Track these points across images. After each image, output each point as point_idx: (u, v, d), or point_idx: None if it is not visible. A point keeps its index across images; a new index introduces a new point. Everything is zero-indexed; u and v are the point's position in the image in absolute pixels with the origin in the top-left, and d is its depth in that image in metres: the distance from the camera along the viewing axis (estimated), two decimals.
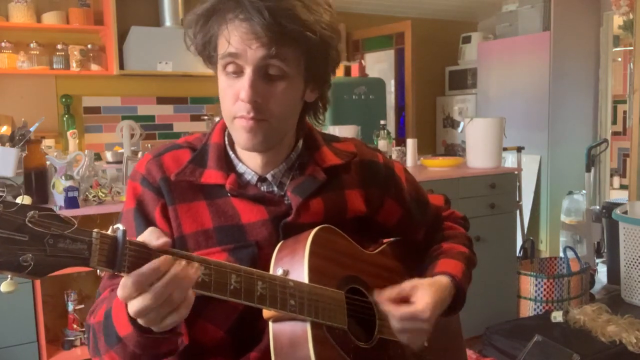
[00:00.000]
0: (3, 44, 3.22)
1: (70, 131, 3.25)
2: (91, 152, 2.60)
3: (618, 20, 4.79)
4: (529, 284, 3.35)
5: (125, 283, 0.74)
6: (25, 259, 0.64)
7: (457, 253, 1.13)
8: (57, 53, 3.32)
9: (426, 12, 5.40)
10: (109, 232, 0.72)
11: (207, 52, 0.94)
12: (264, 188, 1.00)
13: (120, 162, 3.00)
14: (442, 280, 1.04)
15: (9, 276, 0.66)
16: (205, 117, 3.82)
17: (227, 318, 0.95)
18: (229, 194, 0.97)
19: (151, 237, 0.76)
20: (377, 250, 1.10)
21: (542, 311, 3.31)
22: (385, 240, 1.14)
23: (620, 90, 6.33)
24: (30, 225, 0.64)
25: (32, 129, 2.31)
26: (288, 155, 1.02)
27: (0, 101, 3.30)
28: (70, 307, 2.48)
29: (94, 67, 3.40)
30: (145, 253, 0.74)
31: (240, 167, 1.01)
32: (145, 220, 0.96)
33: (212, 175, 0.98)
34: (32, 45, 3.27)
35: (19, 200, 0.66)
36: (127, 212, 0.98)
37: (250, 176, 1.00)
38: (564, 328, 2.95)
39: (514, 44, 4.68)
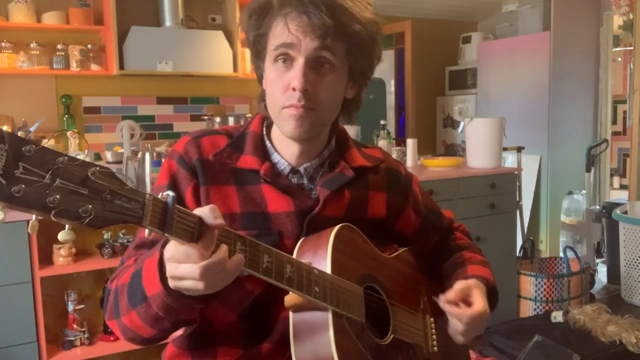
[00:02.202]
0: (3, 44, 3.22)
1: (70, 131, 3.25)
2: (91, 152, 2.61)
3: (618, 20, 4.79)
4: (529, 284, 3.35)
5: (187, 251, 0.76)
6: (85, 210, 0.67)
7: (480, 261, 1.18)
8: (57, 53, 3.32)
9: (426, 12, 5.40)
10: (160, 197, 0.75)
11: (259, 45, 0.98)
12: (294, 180, 1.04)
13: (120, 162, 3.00)
14: (479, 283, 1.08)
15: (67, 226, 0.68)
16: (205, 117, 3.82)
17: (240, 302, 0.98)
18: (261, 180, 1.00)
19: (209, 214, 0.78)
20: (393, 255, 1.13)
21: (542, 311, 3.31)
22: (400, 248, 1.18)
23: (620, 90, 6.33)
24: (92, 179, 0.68)
25: (32, 129, 2.31)
26: (321, 152, 1.06)
27: (0, 101, 3.29)
28: (70, 307, 2.48)
29: (94, 67, 3.40)
30: (192, 220, 0.77)
31: (275, 157, 1.04)
32: (177, 197, 0.99)
33: (247, 160, 1.01)
34: (32, 45, 3.27)
35: (84, 157, 0.70)
36: (159, 188, 1.01)
37: (284, 166, 1.04)
38: (564, 328, 2.95)
39: (514, 44, 4.68)
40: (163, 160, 1.07)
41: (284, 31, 0.92)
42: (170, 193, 0.75)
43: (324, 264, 0.93)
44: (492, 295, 1.10)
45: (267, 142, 1.05)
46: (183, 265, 0.77)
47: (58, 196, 0.64)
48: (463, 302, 1.03)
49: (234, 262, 0.78)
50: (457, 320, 1.01)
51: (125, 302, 0.89)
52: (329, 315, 0.90)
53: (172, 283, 0.80)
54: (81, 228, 0.68)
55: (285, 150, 1.04)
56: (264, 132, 1.06)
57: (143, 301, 0.85)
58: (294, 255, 0.96)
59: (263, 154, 1.03)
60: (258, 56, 1.01)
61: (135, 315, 0.88)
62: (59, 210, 0.65)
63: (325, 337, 0.89)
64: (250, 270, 0.82)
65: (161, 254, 0.82)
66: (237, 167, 1.01)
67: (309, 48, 0.92)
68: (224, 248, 0.78)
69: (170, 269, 0.79)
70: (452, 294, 1.03)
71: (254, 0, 0.97)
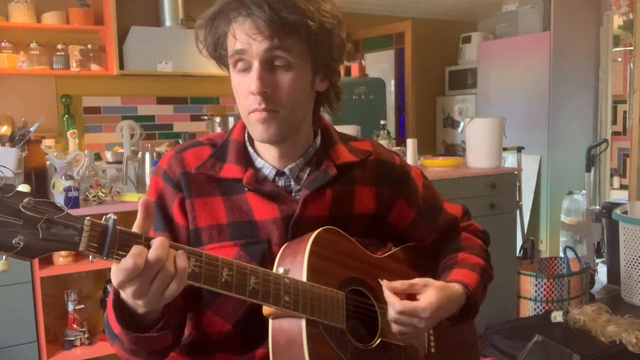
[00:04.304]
0: (3, 44, 3.22)
1: (70, 131, 3.25)
2: (91, 152, 2.60)
3: (618, 20, 4.79)
4: (529, 284, 3.35)
5: (114, 270, 0.76)
6: (18, 241, 0.68)
7: (472, 264, 1.11)
8: (57, 53, 3.32)
9: (426, 12, 5.39)
10: (102, 221, 0.75)
11: (218, 53, 0.98)
12: (281, 183, 1.03)
13: (120, 162, 3.00)
14: (455, 287, 1.03)
15: (3, 257, 0.70)
16: (205, 117, 3.82)
17: (235, 311, 0.97)
18: (245, 189, 0.99)
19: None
20: (385, 255, 1.10)
21: (542, 311, 3.30)
22: (394, 247, 1.14)
23: (620, 90, 6.33)
24: (24, 210, 0.69)
25: (32, 129, 2.31)
26: (306, 151, 1.04)
27: (0, 101, 3.30)
28: (70, 307, 2.48)
29: (94, 67, 3.40)
30: (135, 241, 0.76)
31: (259, 162, 1.03)
32: (164, 213, 1.00)
33: (231, 169, 1.00)
34: (32, 45, 3.27)
35: (20, 188, 0.71)
36: None
37: (268, 171, 1.02)
38: (564, 328, 2.94)
39: (514, 44, 4.68)
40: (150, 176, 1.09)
41: (233, 38, 0.92)
42: (112, 216, 0.75)
43: (300, 271, 0.91)
44: (470, 302, 1.05)
45: (250, 148, 1.04)
46: (131, 282, 0.76)
47: None
48: (409, 297, 0.97)
49: (171, 259, 0.77)
50: (391, 307, 0.96)
51: (107, 335, 0.93)
52: (303, 324, 0.89)
53: (141, 302, 0.79)
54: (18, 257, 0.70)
55: (266, 154, 1.02)
56: (246, 138, 1.05)
57: (116, 338, 0.89)
58: (276, 261, 0.95)
59: (246, 161, 1.02)
60: (222, 62, 1.00)
61: (117, 348, 0.91)
62: None
63: (300, 347, 0.88)
64: (207, 286, 0.82)
65: (115, 293, 0.83)
66: (221, 177, 1.00)
67: (259, 51, 0.91)
68: (167, 252, 0.77)
69: (126, 292, 0.78)
70: (399, 283, 0.97)
71: (205, 12, 0.96)
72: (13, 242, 0.68)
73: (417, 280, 0.99)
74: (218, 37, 0.95)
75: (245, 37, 0.91)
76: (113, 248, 0.74)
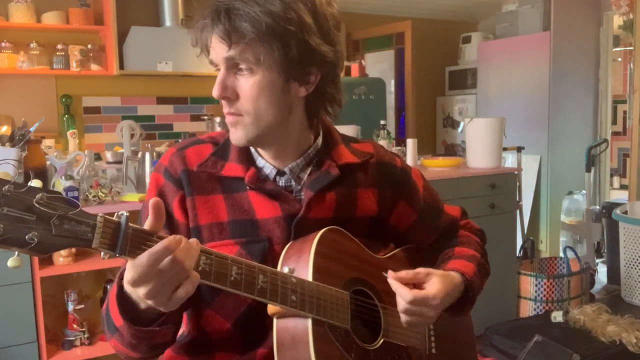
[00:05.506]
0: (3, 44, 3.23)
1: (70, 131, 3.25)
2: (91, 152, 2.60)
3: (618, 20, 4.79)
4: (529, 284, 3.35)
5: (136, 264, 0.75)
6: (31, 237, 0.68)
7: (468, 256, 1.13)
8: (57, 53, 3.32)
9: (426, 12, 5.40)
10: (114, 217, 0.75)
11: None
12: (282, 182, 1.03)
13: (120, 162, 3.00)
14: (454, 275, 1.04)
15: (16, 252, 0.69)
16: (205, 117, 3.82)
17: (234, 310, 0.98)
18: (247, 188, 1.00)
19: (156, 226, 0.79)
20: (387, 255, 1.10)
21: (542, 311, 3.31)
22: (396, 248, 1.15)
23: (620, 90, 6.33)
24: (37, 206, 0.68)
25: (32, 129, 2.31)
26: (306, 151, 1.04)
27: (0, 101, 3.30)
28: (70, 307, 2.48)
29: (94, 67, 3.40)
30: (147, 238, 0.77)
31: (260, 161, 1.03)
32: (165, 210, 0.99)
33: (232, 168, 1.01)
34: (32, 45, 3.28)
35: (33, 184, 0.70)
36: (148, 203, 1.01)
37: (269, 170, 1.03)
38: (564, 328, 2.94)
39: (514, 44, 4.68)
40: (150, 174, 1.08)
41: (210, 49, 0.95)
42: (125, 213, 0.75)
43: (306, 270, 0.92)
44: (470, 289, 1.05)
45: (251, 147, 1.04)
46: (148, 281, 0.76)
47: (1, 225, 0.66)
48: (415, 287, 0.98)
49: (183, 248, 0.76)
50: (400, 297, 0.97)
51: (106, 329, 0.93)
52: (309, 324, 0.89)
53: (151, 302, 0.79)
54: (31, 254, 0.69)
55: (264, 153, 1.03)
56: None
57: (116, 331, 0.89)
58: (280, 260, 0.95)
59: (248, 159, 1.02)
60: None
61: (116, 341, 0.91)
62: (5, 238, 0.66)
63: (306, 346, 0.89)
64: (216, 284, 0.82)
65: (119, 286, 0.83)
66: (223, 176, 1.00)
67: (221, 58, 0.93)
68: (168, 239, 0.76)
69: (141, 291, 0.77)
70: (404, 273, 0.98)
71: (193, 29, 0.98)
72: (26, 238, 0.67)
73: (420, 269, 1.00)
74: (204, 46, 0.97)
75: (212, 48, 0.94)
76: (126, 245, 0.75)
